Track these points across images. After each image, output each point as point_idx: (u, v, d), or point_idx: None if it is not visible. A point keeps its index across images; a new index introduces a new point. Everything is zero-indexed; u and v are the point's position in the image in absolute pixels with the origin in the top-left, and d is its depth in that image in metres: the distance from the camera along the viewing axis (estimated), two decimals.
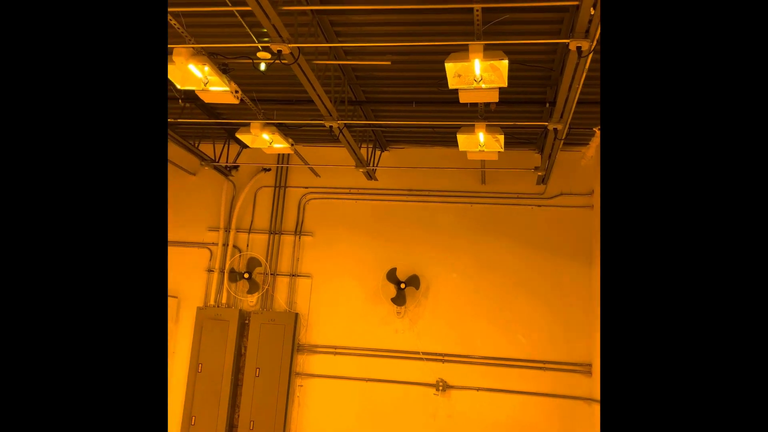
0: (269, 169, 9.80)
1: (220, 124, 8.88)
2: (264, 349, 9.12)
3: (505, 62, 5.04)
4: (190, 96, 7.44)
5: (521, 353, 8.70)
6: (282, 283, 9.50)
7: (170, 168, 9.82)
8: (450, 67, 5.16)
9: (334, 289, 9.35)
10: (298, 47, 5.22)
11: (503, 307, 8.88)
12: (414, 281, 8.96)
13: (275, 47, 5.09)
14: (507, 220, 9.11)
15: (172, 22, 5.50)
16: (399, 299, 8.96)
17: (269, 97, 7.82)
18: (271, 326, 9.19)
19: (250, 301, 9.50)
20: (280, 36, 4.98)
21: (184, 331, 9.53)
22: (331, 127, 6.82)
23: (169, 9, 5.22)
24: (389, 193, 9.44)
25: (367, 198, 9.48)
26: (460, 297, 9.02)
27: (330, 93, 6.70)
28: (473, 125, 6.57)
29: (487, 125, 6.54)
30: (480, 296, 8.97)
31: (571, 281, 8.76)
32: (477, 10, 4.70)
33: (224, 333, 9.24)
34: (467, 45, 4.96)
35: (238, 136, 7.16)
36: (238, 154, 9.68)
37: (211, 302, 9.56)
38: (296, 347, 9.18)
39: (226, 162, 9.48)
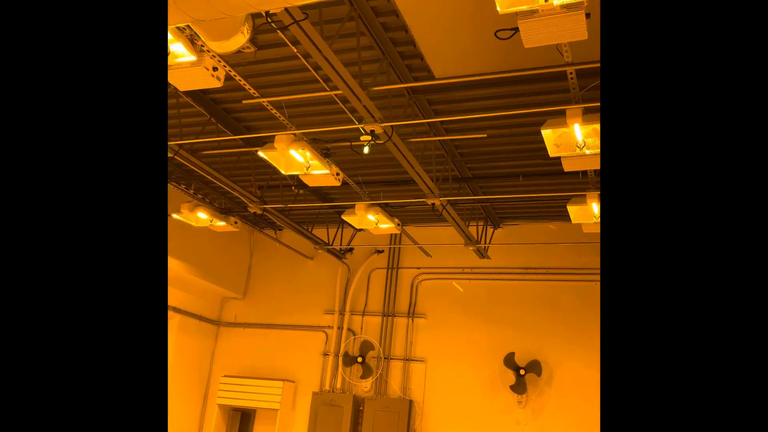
0: (382, 251, 9.83)
1: (332, 207, 9.14)
2: None
3: None
4: (303, 183, 7.75)
5: None
6: (396, 367, 9.22)
7: (289, 253, 10.19)
8: (547, 135, 4.91)
9: (449, 374, 8.89)
10: (391, 126, 5.26)
11: None
12: (535, 367, 8.28)
13: (368, 127, 5.17)
14: None
15: (274, 112, 5.83)
16: (519, 387, 8.29)
17: (375, 179, 7.95)
18: (386, 413, 8.86)
19: (364, 387, 9.30)
20: (373, 116, 5.06)
21: (300, 415, 9.48)
22: (433, 204, 6.72)
23: (271, 99, 5.54)
24: (504, 271, 9.01)
25: (481, 278, 9.11)
26: (588, 386, 8.15)
27: (432, 171, 6.65)
28: (584, 195, 6.14)
29: (599, 195, 6.08)
30: None
31: None
32: (571, 73, 4.47)
33: (339, 419, 9.04)
34: (564, 110, 4.71)
35: (344, 218, 7.28)
36: (352, 237, 9.84)
37: (326, 387, 9.48)
38: None
39: (340, 245, 9.66)
